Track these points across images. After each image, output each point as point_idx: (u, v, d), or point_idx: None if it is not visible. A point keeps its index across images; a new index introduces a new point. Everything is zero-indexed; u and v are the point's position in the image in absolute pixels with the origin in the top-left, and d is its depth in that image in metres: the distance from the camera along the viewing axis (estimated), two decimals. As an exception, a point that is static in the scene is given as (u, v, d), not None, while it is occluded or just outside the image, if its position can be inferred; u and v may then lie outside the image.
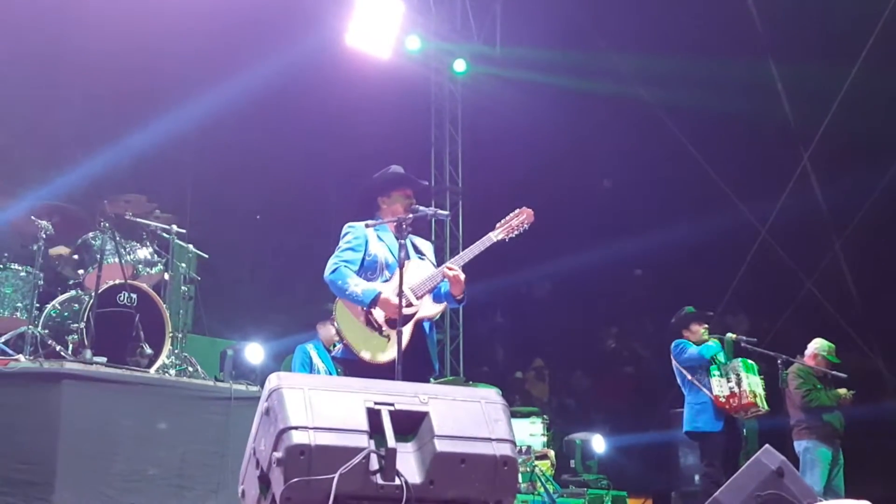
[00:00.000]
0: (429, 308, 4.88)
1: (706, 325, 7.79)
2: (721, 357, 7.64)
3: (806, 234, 12.51)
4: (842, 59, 11.24)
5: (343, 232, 5.05)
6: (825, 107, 11.61)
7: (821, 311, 12.07)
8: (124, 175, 8.37)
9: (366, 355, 4.75)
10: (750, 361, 7.42)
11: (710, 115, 11.86)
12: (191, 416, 6.02)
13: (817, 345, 8.37)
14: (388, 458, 3.24)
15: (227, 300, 9.68)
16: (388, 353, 4.70)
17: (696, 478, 9.29)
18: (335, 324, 4.94)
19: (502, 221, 4.99)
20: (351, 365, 4.84)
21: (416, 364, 4.66)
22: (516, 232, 4.95)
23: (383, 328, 4.76)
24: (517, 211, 5.00)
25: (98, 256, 6.45)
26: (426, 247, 5.21)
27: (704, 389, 7.41)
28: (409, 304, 4.73)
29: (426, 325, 4.93)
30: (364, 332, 4.78)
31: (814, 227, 12.33)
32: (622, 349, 15.61)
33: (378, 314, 4.76)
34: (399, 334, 4.57)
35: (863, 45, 11.03)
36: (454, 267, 4.82)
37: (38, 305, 6.31)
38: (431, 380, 5.21)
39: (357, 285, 4.79)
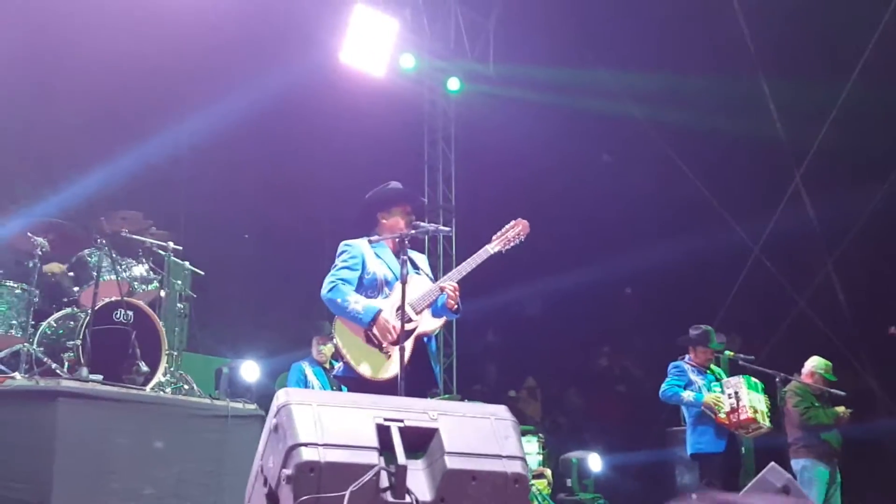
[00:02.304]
0: (428, 323, 4.86)
1: (714, 356, 7.79)
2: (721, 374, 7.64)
3: (798, 252, 12.55)
4: (834, 77, 11.30)
5: (340, 250, 5.02)
6: (817, 125, 11.67)
7: (813, 330, 12.08)
8: (120, 192, 8.32)
9: (367, 372, 4.71)
10: (754, 379, 7.37)
11: (702, 134, 11.90)
12: (187, 434, 5.96)
13: (814, 363, 8.36)
14: (399, 475, 3.21)
15: (221, 317, 9.61)
16: (390, 370, 4.67)
17: (693, 497, 9.24)
18: (335, 341, 4.91)
19: (498, 234, 4.99)
20: (352, 383, 4.79)
21: (418, 380, 4.63)
22: (512, 244, 4.95)
23: (384, 345, 4.73)
24: (513, 223, 5.00)
25: (94, 273, 6.39)
26: (421, 260, 5.19)
27: (705, 409, 7.37)
28: (409, 320, 4.70)
29: (426, 340, 4.90)
30: (364, 349, 4.75)
31: (806, 245, 12.37)
32: (614, 367, 15.60)
33: (378, 333, 4.74)
34: (402, 350, 4.54)
35: (855, 63, 11.10)
36: (453, 284, 4.80)
37: (33, 323, 6.24)
38: (430, 396, 5.18)
39: (357, 303, 4.76)
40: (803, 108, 11.50)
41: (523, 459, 3.43)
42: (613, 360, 15.62)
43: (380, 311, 4.71)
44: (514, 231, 4.96)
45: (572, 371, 15.13)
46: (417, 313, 4.77)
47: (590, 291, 12.45)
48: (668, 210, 13.18)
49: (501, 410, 3.58)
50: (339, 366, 5.00)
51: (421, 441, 3.34)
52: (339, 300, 4.77)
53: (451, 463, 3.27)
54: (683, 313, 9.52)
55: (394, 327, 4.66)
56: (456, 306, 4.81)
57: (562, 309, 13.89)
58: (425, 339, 4.88)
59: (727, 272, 12.86)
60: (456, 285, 4.80)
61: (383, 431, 3.27)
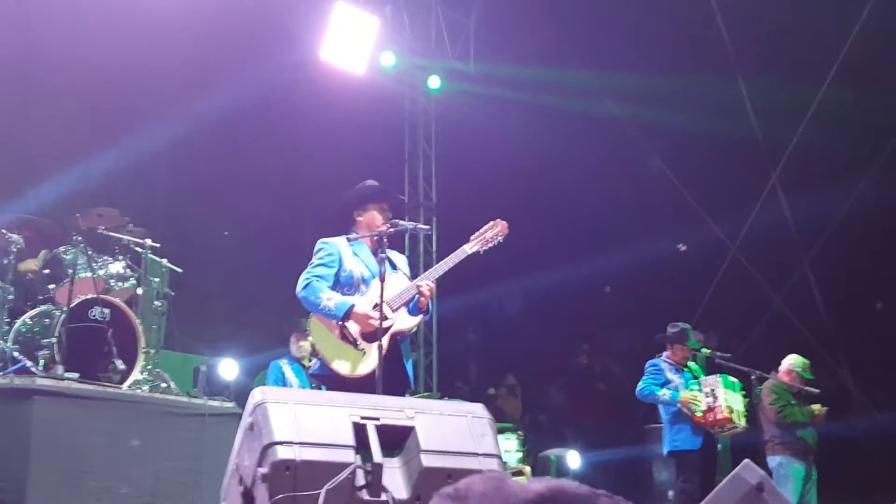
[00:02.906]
0: (404, 321, 4.86)
1: (692, 354, 7.82)
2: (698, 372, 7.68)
3: (775, 251, 12.64)
4: (810, 77, 11.38)
5: (316, 248, 5.03)
6: (794, 125, 11.75)
7: (790, 328, 12.18)
8: (97, 189, 8.26)
9: (342, 369, 4.73)
10: (732, 378, 7.40)
11: (680, 133, 11.97)
12: (164, 432, 5.94)
13: (792, 361, 8.44)
14: (375, 473, 3.21)
15: (199, 315, 9.55)
16: (365, 367, 4.68)
17: (670, 493, 9.31)
18: (310, 339, 4.91)
19: (476, 234, 5.00)
20: (328, 380, 4.82)
21: (391, 378, 4.63)
22: (490, 245, 4.96)
23: (358, 342, 4.74)
24: (491, 223, 5.01)
25: (70, 271, 6.34)
26: (400, 260, 5.20)
27: (681, 407, 7.40)
28: (385, 317, 4.71)
29: (400, 339, 4.91)
30: (339, 346, 4.76)
31: (783, 244, 12.46)
32: (594, 365, 15.66)
33: (352, 327, 4.74)
34: (380, 348, 4.55)
35: (831, 63, 11.19)
36: (428, 283, 4.83)
37: (7, 320, 6.19)
38: (406, 394, 5.19)
39: (329, 299, 4.76)
40: (780, 107, 11.58)
41: (499, 457, 3.45)
42: (593, 357, 15.68)
43: (353, 305, 4.73)
44: (492, 232, 4.98)
45: (552, 369, 15.18)
46: (393, 311, 4.78)
47: (570, 289, 12.50)
48: (647, 209, 13.26)
49: (478, 409, 3.60)
50: (314, 363, 5.01)
51: (397, 439, 3.35)
52: (312, 297, 4.79)
53: (427, 461, 3.28)
54: (662, 311, 9.57)
55: (369, 319, 4.68)
56: (426, 307, 4.84)
57: (542, 307, 13.94)
58: (399, 337, 4.89)
59: (705, 270, 12.93)
60: (432, 284, 4.82)
61: (360, 430, 3.28)
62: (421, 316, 4.98)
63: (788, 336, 11.64)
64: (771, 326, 12.42)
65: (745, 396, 7.46)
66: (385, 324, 4.68)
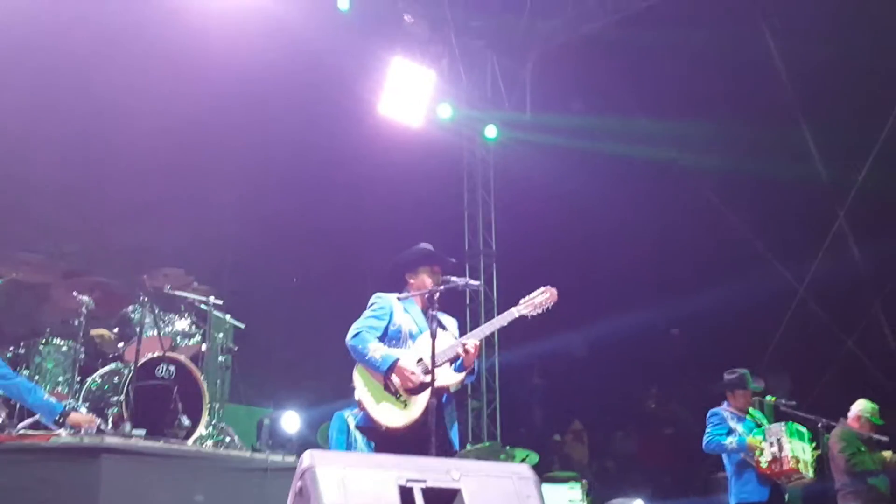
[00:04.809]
0: (447, 377, 4.94)
1: (756, 401, 7.66)
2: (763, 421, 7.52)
3: (845, 292, 12.36)
4: (873, 116, 11.22)
5: (370, 302, 5.22)
6: (859, 165, 11.57)
7: (862, 370, 11.88)
8: (163, 247, 8.52)
9: (383, 420, 4.85)
10: (797, 427, 7.20)
11: (743, 177, 11.87)
12: (228, 487, 6.03)
13: (861, 406, 8.24)
14: (421, 536, 3.25)
15: (262, 368, 9.72)
16: (405, 417, 4.82)
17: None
18: (353, 389, 5.01)
19: (526, 298, 5.11)
20: (371, 432, 4.98)
21: (431, 434, 4.65)
22: (539, 310, 5.06)
23: (400, 393, 4.83)
24: (542, 289, 5.11)
25: (137, 329, 6.58)
26: (450, 322, 5.32)
27: (746, 455, 7.24)
28: (430, 372, 4.79)
29: (444, 397, 4.95)
30: (382, 397, 4.90)
31: (852, 285, 12.20)
32: (662, 410, 15.40)
33: (395, 381, 4.87)
34: (430, 405, 4.63)
35: (894, 102, 11.02)
36: (474, 342, 4.92)
37: (79, 379, 6.43)
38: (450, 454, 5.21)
39: (376, 350, 4.92)
40: (844, 148, 11.43)
41: (544, 518, 3.46)
42: (661, 402, 15.43)
43: (397, 359, 4.87)
44: (541, 297, 5.08)
45: (619, 413, 14.96)
46: (436, 367, 4.85)
47: (636, 333, 12.38)
48: (713, 253, 13.09)
49: (524, 469, 3.61)
50: (357, 413, 5.12)
51: (443, 501, 3.38)
52: (360, 347, 4.96)
53: (473, 523, 3.30)
54: (731, 355, 9.42)
55: (412, 373, 4.82)
56: (472, 367, 4.91)
57: (608, 351, 13.79)
58: (444, 396, 4.95)
59: (774, 314, 12.71)
60: (477, 343, 4.90)
61: (406, 493, 3.32)
62: (464, 374, 5.02)
63: (861, 379, 11.35)
64: (842, 369, 12.12)
65: (813, 446, 7.25)
66: (426, 379, 4.79)
